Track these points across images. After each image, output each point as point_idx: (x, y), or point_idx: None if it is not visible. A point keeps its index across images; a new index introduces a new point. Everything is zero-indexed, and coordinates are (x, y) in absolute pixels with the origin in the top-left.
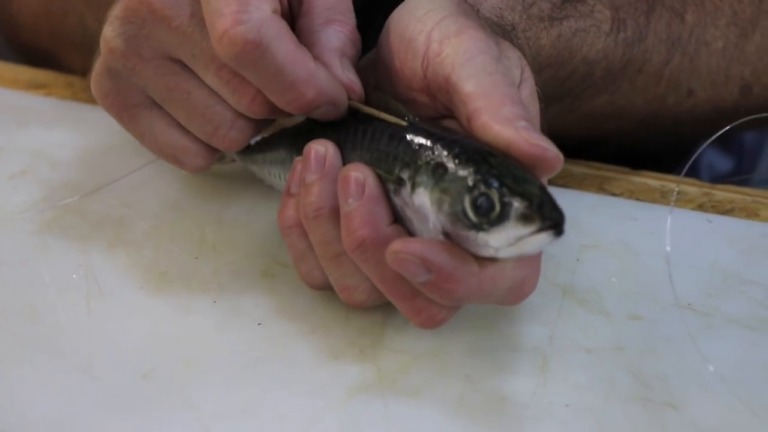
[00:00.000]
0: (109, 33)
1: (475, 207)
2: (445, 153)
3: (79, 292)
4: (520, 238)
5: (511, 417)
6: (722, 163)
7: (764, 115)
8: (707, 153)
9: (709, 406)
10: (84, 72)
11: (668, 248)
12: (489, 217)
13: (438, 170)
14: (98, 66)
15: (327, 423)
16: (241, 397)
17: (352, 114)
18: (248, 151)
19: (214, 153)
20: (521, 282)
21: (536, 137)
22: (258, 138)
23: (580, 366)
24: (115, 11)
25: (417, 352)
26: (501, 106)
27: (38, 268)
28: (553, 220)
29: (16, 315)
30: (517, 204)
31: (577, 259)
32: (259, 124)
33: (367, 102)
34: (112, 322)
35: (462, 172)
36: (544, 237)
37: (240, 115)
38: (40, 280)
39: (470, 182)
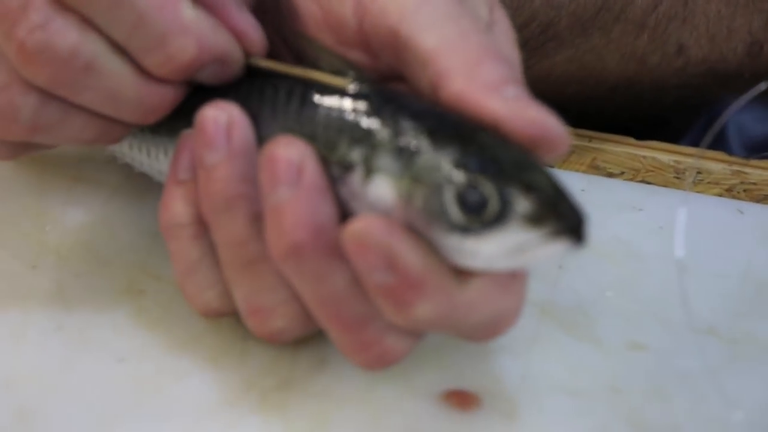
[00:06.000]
0: None
1: (463, 203)
2: (416, 127)
3: None
4: (523, 246)
5: None
6: (757, 125)
7: None
8: (736, 112)
9: None
10: None
11: (681, 252)
12: (482, 216)
13: (407, 150)
14: None
15: None
16: None
17: (268, 73)
18: None
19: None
20: (502, 314)
21: (533, 110)
22: None
23: (562, 414)
24: None
25: (341, 395)
26: (478, 65)
27: None
28: (570, 222)
29: None
30: (521, 199)
31: (560, 266)
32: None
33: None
34: None
35: (442, 155)
36: (559, 245)
37: (16, 77)
38: None
39: (455, 168)
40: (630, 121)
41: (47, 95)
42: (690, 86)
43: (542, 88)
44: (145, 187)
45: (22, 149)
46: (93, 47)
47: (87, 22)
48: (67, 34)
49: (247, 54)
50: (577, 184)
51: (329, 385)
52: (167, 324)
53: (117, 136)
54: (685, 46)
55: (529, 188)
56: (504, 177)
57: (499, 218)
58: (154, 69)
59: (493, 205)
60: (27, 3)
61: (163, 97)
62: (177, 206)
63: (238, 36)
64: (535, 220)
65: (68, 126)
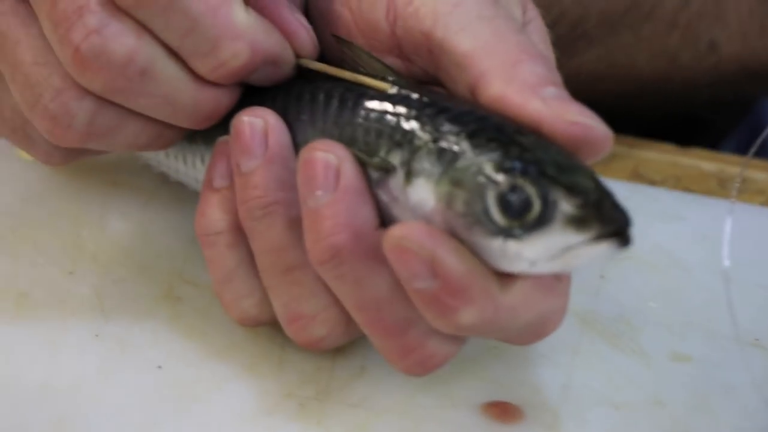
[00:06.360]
0: None
1: (505, 205)
2: (456, 129)
3: None
4: (567, 249)
5: None
6: None
7: None
8: None
9: None
10: None
11: (727, 262)
12: (524, 219)
13: (447, 153)
14: None
15: None
16: None
17: (304, 75)
18: None
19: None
20: (547, 316)
21: (574, 111)
22: None
23: (605, 427)
24: None
25: (381, 405)
26: (516, 65)
27: None
28: (615, 224)
29: None
30: (565, 201)
31: (602, 276)
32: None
33: (324, 59)
34: None
35: (483, 157)
36: (604, 247)
37: (71, 82)
38: None
39: (496, 171)
40: (662, 120)
41: (102, 101)
42: (722, 84)
43: (572, 86)
44: (183, 192)
45: (75, 155)
46: (149, 52)
47: (142, 26)
48: (123, 39)
49: (298, 55)
50: (619, 192)
51: (368, 395)
52: (205, 331)
53: (170, 142)
54: (717, 43)
55: (572, 190)
56: (546, 178)
57: (542, 220)
58: (206, 73)
59: (536, 207)
60: (82, 7)
61: (219, 101)
62: (213, 213)
63: (289, 37)
64: (578, 222)
65: (123, 131)
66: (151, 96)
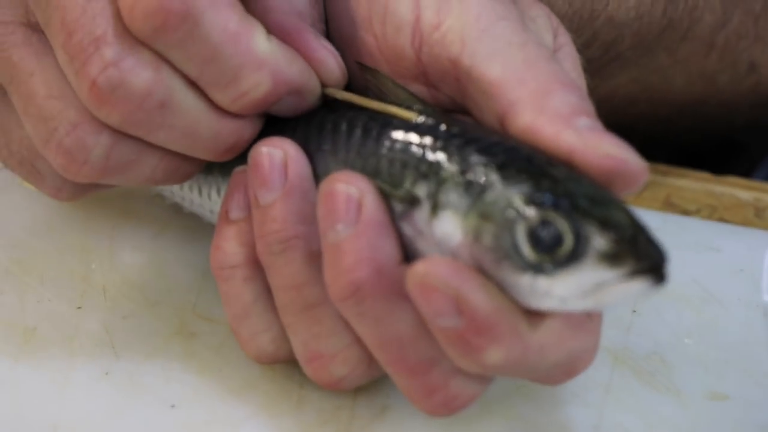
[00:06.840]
0: None
1: (535, 240)
2: (485, 160)
3: None
4: (600, 286)
5: None
6: None
7: None
8: None
9: None
10: None
11: (766, 297)
12: (555, 254)
13: (476, 185)
14: None
15: None
16: None
17: (327, 104)
18: None
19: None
20: (577, 355)
21: (608, 143)
22: None
23: None
24: None
25: None
26: (548, 95)
27: None
28: (650, 260)
29: None
30: (598, 236)
31: (634, 311)
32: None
33: (349, 87)
34: None
35: (513, 190)
36: (638, 284)
37: (87, 116)
38: None
39: (526, 204)
40: (699, 143)
41: (120, 134)
42: (761, 107)
43: (605, 110)
44: (196, 223)
45: (86, 190)
46: (168, 84)
47: (160, 57)
48: (141, 71)
49: (324, 84)
50: (651, 222)
51: None
52: (220, 369)
53: (188, 175)
54: (756, 64)
55: (605, 224)
56: (579, 212)
57: (574, 256)
58: (227, 105)
59: (568, 242)
60: (99, 38)
61: (240, 133)
62: (229, 246)
63: (315, 65)
64: (612, 258)
65: (141, 166)
66: (170, 129)
